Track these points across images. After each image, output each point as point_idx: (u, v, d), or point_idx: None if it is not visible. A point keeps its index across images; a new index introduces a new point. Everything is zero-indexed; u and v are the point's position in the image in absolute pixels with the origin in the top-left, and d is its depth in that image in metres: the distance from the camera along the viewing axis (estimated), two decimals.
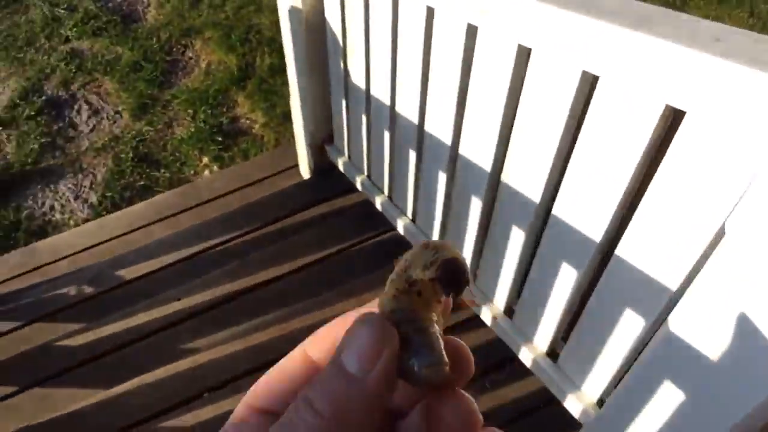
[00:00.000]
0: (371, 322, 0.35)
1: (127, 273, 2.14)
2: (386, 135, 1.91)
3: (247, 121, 3.05)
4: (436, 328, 0.36)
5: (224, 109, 3.09)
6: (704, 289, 0.90)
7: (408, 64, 1.57)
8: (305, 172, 2.51)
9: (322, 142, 2.39)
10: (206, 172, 2.86)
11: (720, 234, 0.89)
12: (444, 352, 0.35)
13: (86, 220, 2.68)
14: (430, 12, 1.36)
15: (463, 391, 0.37)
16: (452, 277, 0.35)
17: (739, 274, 0.84)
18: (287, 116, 2.99)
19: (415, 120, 1.66)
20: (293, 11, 1.95)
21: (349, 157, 2.28)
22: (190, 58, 3.31)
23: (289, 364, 0.39)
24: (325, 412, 0.34)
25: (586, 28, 0.95)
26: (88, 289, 2.11)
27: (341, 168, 2.31)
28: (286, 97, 3.07)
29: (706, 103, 0.83)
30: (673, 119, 0.93)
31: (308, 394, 0.35)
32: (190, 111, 3.07)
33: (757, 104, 0.76)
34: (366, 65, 1.83)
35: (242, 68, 3.22)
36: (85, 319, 2.01)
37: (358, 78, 1.91)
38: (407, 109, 1.68)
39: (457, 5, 1.22)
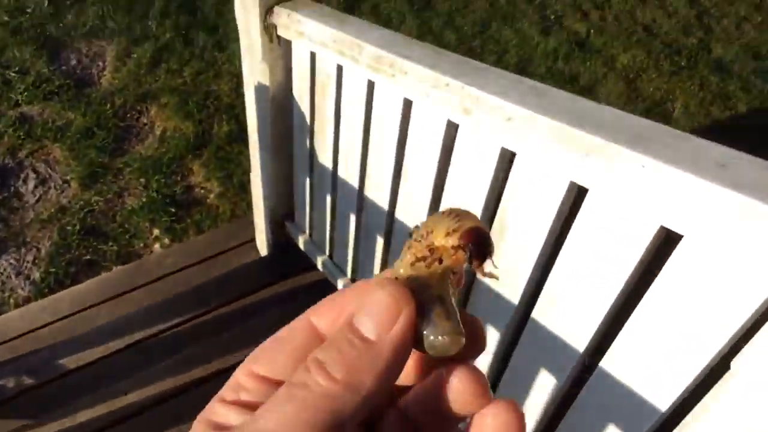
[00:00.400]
0: (389, 286, 0.34)
1: (70, 362, 2.00)
2: (353, 218, 1.84)
3: (202, 191, 2.95)
4: (453, 298, 0.35)
5: (178, 178, 2.98)
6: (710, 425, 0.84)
7: (381, 152, 1.51)
8: (263, 248, 2.42)
9: (282, 219, 2.30)
10: (157, 246, 2.74)
11: (721, 367, 0.84)
12: (458, 321, 0.34)
13: (27, 299, 2.52)
14: (407, 104, 1.31)
15: (473, 364, 0.36)
16: (478, 245, 0.34)
17: (749, 413, 0.78)
18: (244, 186, 2.90)
19: (386, 207, 1.60)
20: (260, 87, 1.89)
21: (311, 235, 2.19)
22: (145, 124, 3.21)
23: (292, 333, 0.37)
24: (337, 375, 0.33)
25: (579, 141, 0.91)
26: (28, 380, 1.96)
27: (302, 247, 2.22)
28: (243, 165, 2.98)
29: (707, 228, 0.78)
30: (667, 238, 0.88)
31: (320, 357, 0.34)
32: (143, 180, 2.95)
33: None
34: (334, 146, 1.77)
35: (199, 135, 3.13)
36: (24, 414, 1.86)
37: (324, 158, 1.85)
38: (378, 195, 1.62)
39: (439, 102, 1.17)
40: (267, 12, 1.67)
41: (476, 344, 0.37)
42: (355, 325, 0.34)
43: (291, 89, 1.83)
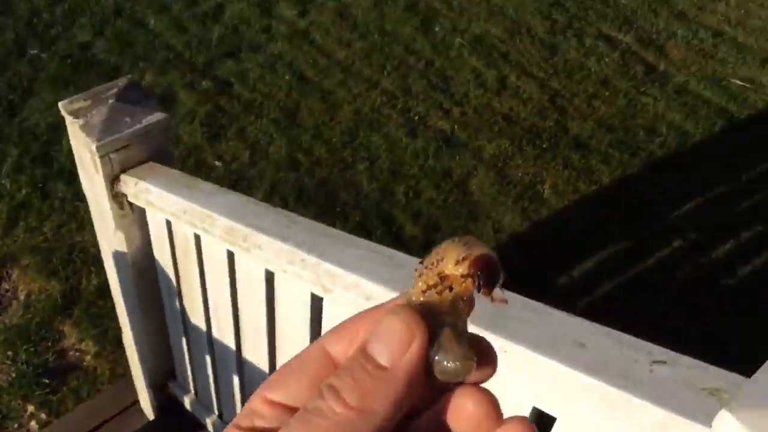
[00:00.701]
0: (402, 313, 0.35)
1: None
2: (236, 378, 1.73)
3: (77, 354, 2.74)
4: (463, 322, 0.36)
5: (49, 344, 2.77)
6: None
7: (252, 317, 1.43)
8: (148, 410, 2.25)
9: (164, 379, 2.15)
10: (33, 423, 2.50)
11: None
12: (470, 348, 0.35)
13: None
14: (270, 274, 1.24)
15: (484, 386, 0.36)
16: (487, 273, 0.35)
17: None
18: (122, 341, 2.72)
19: (266, 368, 1.51)
20: (118, 254, 1.78)
21: (196, 394, 2.06)
22: (7, 291, 2.99)
23: (306, 359, 0.37)
24: (351, 402, 0.33)
25: None
26: None
27: (188, 407, 2.08)
28: (118, 319, 2.81)
29: (575, 411, 0.74)
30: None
31: (334, 383, 0.34)
32: (10, 353, 2.72)
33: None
34: (205, 307, 1.67)
35: (66, 293, 2.94)
36: None
37: (197, 319, 1.75)
38: (256, 358, 1.53)
39: (297, 277, 1.11)
40: (113, 181, 1.58)
41: (487, 367, 0.37)
42: (369, 351, 0.34)
43: (152, 253, 1.74)
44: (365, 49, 4.29)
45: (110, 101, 1.50)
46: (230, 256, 1.34)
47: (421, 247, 3.32)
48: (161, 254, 1.68)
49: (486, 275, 0.36)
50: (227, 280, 1.40)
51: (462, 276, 0.36)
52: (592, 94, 4.06)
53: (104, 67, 4.09)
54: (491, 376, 0.38)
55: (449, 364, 0.35)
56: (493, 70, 4.19)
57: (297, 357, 0.38)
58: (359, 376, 0.34)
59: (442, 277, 0.37)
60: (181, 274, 1.65)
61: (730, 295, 3.22)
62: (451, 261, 0.36)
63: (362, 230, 3.38)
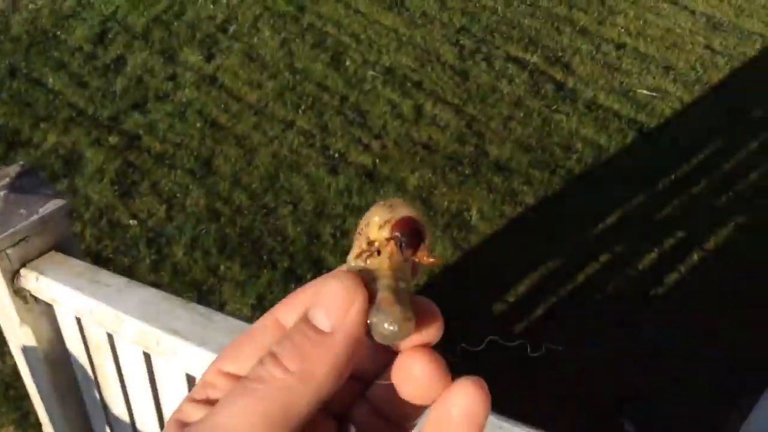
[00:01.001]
0: (341, 277, 0.35)
1: None
2: None
3: None
4: (403, 286, 0.36)
5: None
6: None
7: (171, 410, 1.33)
8: None
9: None
10: None
11: None
12: (409, 310, 0.35)
13: None
14: (191, 378, 1.15)
15: (430, 350, 0.36)
16: (409, 235, 0.36)
17: None
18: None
19: None
20: (28, 349, 1.64)
21: None
22: None
23: (259, 330, 0.38)
24: (291, 367, 0.33)
25: None
26: None
27: None
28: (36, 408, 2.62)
29: None
30: None
31: (275, 350, 0.34)
32: None
33: None
34: (126, 400, 1.55)
35: None
36: None
37: (119, 412, 1.62)
38: None
39: None
40: (13, 276, 1.45)
41: (429, 328, 0.36)
42: (309, 317, 0.35)
43: (65, 346, 1.61)
44: (277, 90, 4.22)
45: (1, 192, 1.38)
46: (146, 355, 1.24)
47: None
48: (74, 348, 1.56)
49: (408, 238, 0.35)
50: (146, 378, 1.29)
51: (386, 240, 0.36)
52: (507, 116, 4.10)
53: (3, 131, 3.88)
54: (436, 337, 0.37)
55: (387, 327, 0.34)
56: (408, 100, 4.18)
57: (250, 329, 0.38)
58: (299, 341, 0.34)
59: (370, 242, 0.37)
60: (97, 368, 1.53)
61: (661, 302, 3.27)
62: (375, 226, 0.37)
63: (291, 276, 3.29)
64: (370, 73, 4.36)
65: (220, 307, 3.20)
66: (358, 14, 4.75)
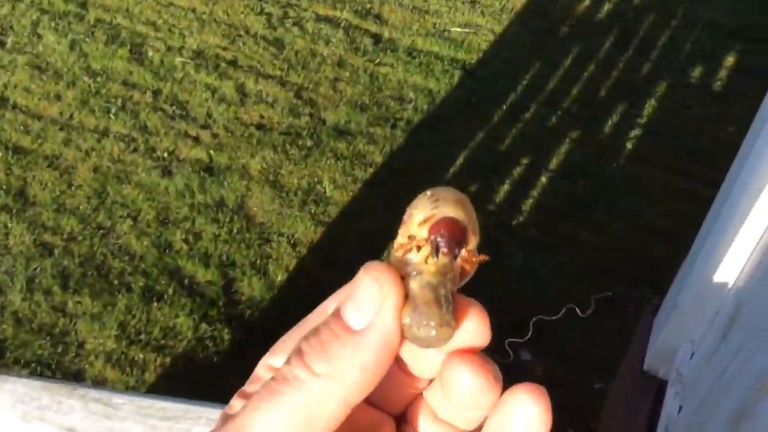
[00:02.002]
0: (374, 271, 0.32)
1: None
2: None
3: None
4: (445, 284, 0.33)
5: None
6: None
7: None
8: None
9: None
10: None
11: None
12: (449, 312, 0.32)
13: None
14: None
15: (478, 355, 0.33)
16: (448, 238, 0.33)
17: None
18: None
19: None
20: None
21: None
22: None
23: (309, 322, 0.35)
24: (317, 368, 0.31)
25: None
26: None
27: None
28: None
29: None
30: None
31: (302, 347, 0.32)
32: None
33: None
34: None
35: None
36: None
37: None
38: None
39: None
40: None
41: (475, 334, 0.33)
42: (341, 312, 0.32)
43: None
44: (79, 98, 3.80)
45: None
46: None
47: (222, 290, 3.04)
48: None
49: (447, 241, 0.33)
50: None
51: (424, 239, 0.33)
52: (334, 79, 3.98)
53: None
54: (485, 343, 0.34)
55: (422, 329, 0.32)
56: (227, 81, 3.93)
57: (301, 322, 0.36)
58: (326, 339, 0.32)
59: (410, 237, 0.34)
60: None
61: (523, 229, 3.35)
62: (417, 220, 0.34)
63: (151, 295, 3.01)
64: (179, 59, 4.05)
65: (80, 347, 2.87)
66: None
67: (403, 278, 0.33)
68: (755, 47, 4.27)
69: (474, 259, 0.35)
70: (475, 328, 0.34)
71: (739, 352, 1.45)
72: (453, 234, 0.33)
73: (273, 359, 0.36)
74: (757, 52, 4.24)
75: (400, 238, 0.35)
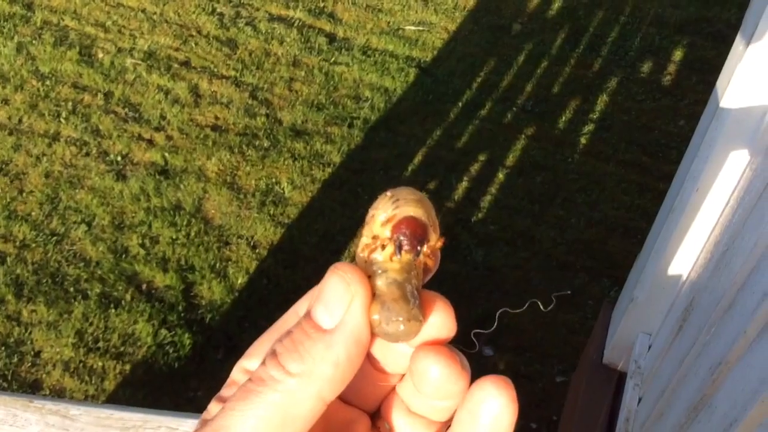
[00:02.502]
0: (340, 270, 0.33)
1: None
2: None
3: None
4: (410, 281, 0.34)
5: None
6: None
7: None
8: None
9: None
10: None
11: None
12: (416, 307, 0.33)
13: None
14: None
15: (445, 346, 0.35)
16: (407, 239, 0.34)
17: None
18: None
19: None
20: None
21: None
22: None
23: (283, 325, 0.36)
24: (291, 368, 0.32)
25: None
26: None
27: None
28: None
29: None
30: None
31: (276, 348, 0.33)
32: None
33: None
34: None
35: None
36: None
37: None
38: None
39: None
40: None
41: (442, 326, 0.34)
42: (312, 313, 0.33)
43: None
44: (28, 102, 3.71)
45: None
46: None
47: (181, 295, 3.00)
48: None
49: (409, 239, 0.33)
50: None
51: (387, 239, 0.34)
52: (289, 79, 3.95)
53: None
54: (450, 335, 0.35)
55: (391, 325, 0.33)
56: (180, 82, 3.87)
57: (274, 325, 0.36)
58: (299, 338, 0.32)
59: (374, 237, 0.35)
60: None
61: (482, 225, 3.38)
62: (379, 221, 0.35)
63: (108, 301, 2.96)
64: (130, 61, 3.98)
65: (36, 356, 2.81)
66: (95, 0, 4.30)
67: (370, 277, 0.34)
68: (701, 41, 4.38)
69: (436, 256, 0.36)
70: (441, 320, 0.35)
71: (695, 343, 1.48)
72: (415, 232, 0.34)
73: (248, 362, 0.36)
74: (703, 46, 4.35)
75: (365, 239, 0.36)
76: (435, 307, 0.35)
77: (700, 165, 1.72)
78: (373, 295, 0.34)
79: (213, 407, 0.35)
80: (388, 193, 0.37)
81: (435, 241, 0.36)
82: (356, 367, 0.33)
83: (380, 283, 0.34)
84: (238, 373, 0.36)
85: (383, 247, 0.35)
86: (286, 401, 0.31)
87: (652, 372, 1.82)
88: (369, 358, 0.36)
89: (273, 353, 0.33)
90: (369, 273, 0.34)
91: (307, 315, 0.34)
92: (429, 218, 0.36)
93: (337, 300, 0.33)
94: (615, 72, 4.17)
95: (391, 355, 0.36)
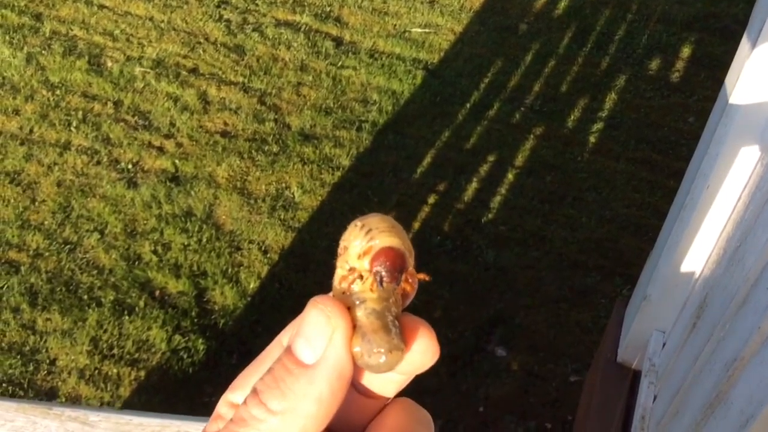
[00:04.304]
0: (320, 304, 0.33)
1: None
2: None
3: None
4: (389, 309, 0.33)
5: None
6: None
7: None
8: None
9: None
10: None
11: None
12: (397, 336, 0.33)
13: None
14: None
15: (407, 400, 0.35)
16: (389, 267, 0.33)
17: None
18: None
19: None
20: None
21: None
22: None
23: (267, 357, 0.35)
24: (272, 406, 0.31)
25: None
26: None
27: None
28: None
29: None
30: None
31: (257, 386, 0.32)
32: None
33: None
34: None
35: None
36: None
37: None
38: None
39: None
40: None
41: (425, 353, 0.34)
42: (292, 348, 0.32)
43: None
44: (39, 112, 3.74)
45: None
46: None
47: (194, 300, 3.01)
48: None
49: (389, 271, 0.33)
50: None
51: (366, 271, 0.34)
52: (296, 84, 3.97)
53: None
54: (432, 362, 0.35)
55: (373, 356, 0.32)
56: (189, 89, 3.89)
57: (259, 357, 0.36)
58: (280, 375, 0.32)
59: (351, 269, 0.34)
60: None
61: (493, 226, 3.37)
62: (355, 254, 0.34)
63: (122, 309, 2.98)
64: (138, 69, 4.01)
65: (52, 364, 2.83)
66: (103, 9, 4.33)
67: (349, 308, 0.33)
68: (709, 37, 4.36)
69: (414, 280, 0.36)
70: (424, 346, 0.35)
71: (709, 340, 1.48)
72: (394, 263, 0.33)
73: (233, 396, 0.36)
74: (711, 42, 4.33)
75: (340, 270, 0.35)
76: (418, 334, 0.35)
77: (710, 162, 1.71)
78: (354, 326, 0.33)
79: None
80: (359, 223, 0.36)
81: (412, 265, 0.36)
82: (339, 402, 0.33)
83: (360, 314, 0.33)
84: (223, 407, 0.36)
85: (361, 277, 0.34)
86: None
87: (667, 370, 1.82)
88: (353, 384, 0.35)
89: (254, 392, 0.32)
90: (348, 304, 0.34)
91: (288, 350, 0.33)
92: (404, 245, 0.35)
93: (317, 334, 0.32)
94: (623, 70, 4.17)
95: (376, 381, 0.36)
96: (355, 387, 0.36)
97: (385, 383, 0.36)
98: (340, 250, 0.36)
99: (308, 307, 0.33)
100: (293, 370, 0.32)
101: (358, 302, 0.34)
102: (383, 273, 0.33)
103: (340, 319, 0.32)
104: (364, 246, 0.34)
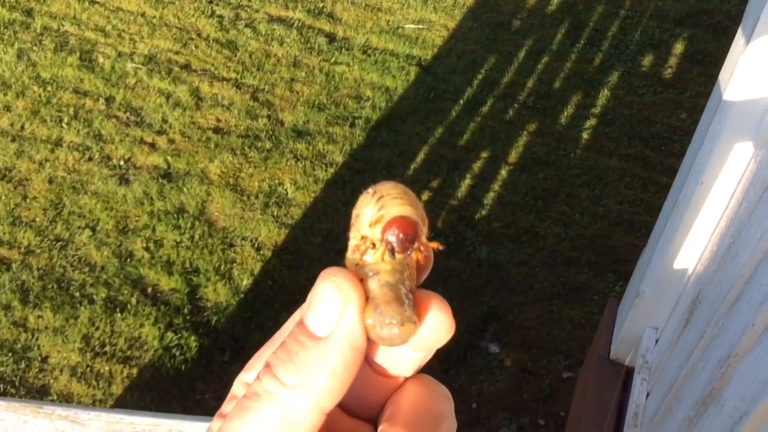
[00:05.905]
0: (332, 276, 0.32)
1: None
2: None
3: None
4: (403, 282, 0.33)
5: None
6: None
7: None
8: None
9: None
10: None
11: None
12: (410, 308, 0.32)
13: None
14: None
15: (425, 376, 0.35)
16: (401, 236, 0.32)
17: None
18: None
19: None
20: None
21: None
22: None
23: (281, 335, 0.35)
24: (286, 379, 0.31)
25: None
26: None
27: None
28: None
29: None
30: None
31: (270, 360, 0.32)
32: None
33: None
34: None
35: None
36: None
37: None
38: None
39: None
40: None
41: (439, 327, 0.33)
42: (304, 321, 0.32)
43: None
44: (30, 108, 3.72)
45: None
46: None
47: (186, 297, 3.00)
48: None
49: (400, 240, 0.32)
50: None
51: (378, 240, 0.33)
52: (289, 80, 3.95)
53: None
54: (445, 339, 0.34)
55: (386, 329, 0.32)
56: (181, 85, 3.87)
57: (273, 336, 0.36)
58: (293, 348, 0.31)
59: (363, 238, 0.34)
60: None
61: (486, 222, 3.37)
62: (366, 222, 0.34)
63: (114, 305, 2.96)
64: (130, 65, 3.99)
65: (43, 361, 2.81)
66: (95, 5, 4.30)
67: (362, 280, 0.33)
68: (702, 33, 4.37)
69: (427, 250, 0.35)
70: (438, 320, 0.34)
71: (703, 336, 1.48)
72: (406, 233, 0.33)
73: (248, 375, 0.35)
74: (704, 39, 4.34)
75: (353, 240, 0.34)
76: (431, 307, 0.34)
77: (704, 158, 1.71)
78: (367, 298, 0.33)
79: (214, 424, 0.34)
80: (370, 191, 0.35)
81: (425, 235, 0.35)
82: (353, 374, 0.32)
83: (373, 285, 0.33)
84: (238, 387, 0.35)
85: (374, 246, 0.33)
86: (284, 414, 0.30)
87: (660, 366, 1.82)
88: (368, 362, 0.35)
89: (267, 366, 0.32)
90: (360, 275, 0.33)
91: (300, 323, 0.32)
92: (417, 213, 0.35)
93: (329, 306, 0.32)
94: (616, 66, 4.17)
95: (391, 358, 0.35)
96: (371, 365, 0.35)
97: (401, 360, 0.35)
98: (352, 219, 0.35)
99: (320, 279, 0.32)
100: (306, 343, 0.31)
101: (371, 274, 0.33)
102: (394, 243, 0.33)
103: (353, 291, 0.32)
104: (375, 214, 0.33)
